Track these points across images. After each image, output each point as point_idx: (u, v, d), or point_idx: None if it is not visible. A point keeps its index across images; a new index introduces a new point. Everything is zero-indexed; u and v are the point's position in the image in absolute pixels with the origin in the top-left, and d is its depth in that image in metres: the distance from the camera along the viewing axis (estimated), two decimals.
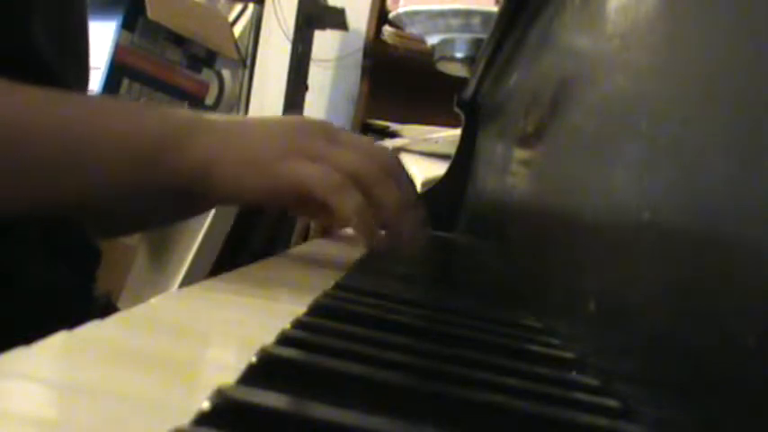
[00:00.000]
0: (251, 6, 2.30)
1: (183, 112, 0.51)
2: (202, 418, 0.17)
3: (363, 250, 0.66)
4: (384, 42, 2.03)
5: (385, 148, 0.56)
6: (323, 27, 2.03)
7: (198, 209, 0.68)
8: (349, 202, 0.48)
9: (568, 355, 0.32)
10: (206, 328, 0.30)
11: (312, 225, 1.72)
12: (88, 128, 0.47)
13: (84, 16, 0.64)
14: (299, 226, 1.72)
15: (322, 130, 0.52)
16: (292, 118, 0.55)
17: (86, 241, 0.62)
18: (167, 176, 0.47)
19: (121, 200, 0.50)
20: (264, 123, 0.52)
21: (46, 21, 0.54)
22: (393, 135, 1.78)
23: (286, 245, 1.63)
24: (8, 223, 0.48)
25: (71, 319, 0.25)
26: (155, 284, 1.64)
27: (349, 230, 0.84)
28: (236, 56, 2.03)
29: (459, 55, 1.43)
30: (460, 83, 1.23)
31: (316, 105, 2.21)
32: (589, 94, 0.43)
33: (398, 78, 2.01)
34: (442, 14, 1.42)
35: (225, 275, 0.42)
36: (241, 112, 2.27)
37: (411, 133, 1.69)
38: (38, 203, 0.46)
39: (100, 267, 0.64)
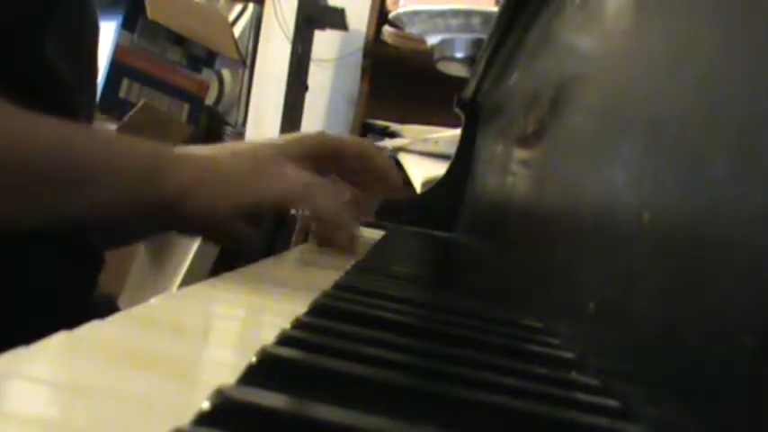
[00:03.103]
0: (251, 6, 2.30)
1: (169, 146, 0.58)
2: (202, 418, 0.17)
3: (362, 251, 0.66)
4: (384, 42, 2.03)
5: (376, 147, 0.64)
6: (323, 27, 2.03)
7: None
8: (324, 203, 0.58)
9: (568, 355, 0.32)
10: (206, 328, 0.30)
11: (312, 225, 1.72)
12: (95, 150, 0.52)
13: (95, 29, 0.64)
14: (298, 226, 1.72)
15: (280, 152, 0.61)
16: (261, 147, 0.63)
17: (89, 247, 0.62)
18: (156, 197, 0.52)
19: (117, 218, 0.56)
20: (235, 152, 0.60)
21: (58, 34, 0.55)
22: (393, 135, 1.78)
23: (286, 245, 1.63)
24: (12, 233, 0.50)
25: (71, 319, 0.25)
26: (155, 284, 1.64)
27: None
28: (236, 56, 2.04)
29: (459, 55, 1.43)
30: (460, 83, 1.23)
31: (316, 105, 2.21)
32: (589, 94, 0.43)
33: (398, 78, 2.01)
34: (442, 14, 1.42)
35: (225, 275, 0.42)
36: (241, 112, 2.27)
37: (411, 133, 1.69)
38: (46, 218, 0.50)
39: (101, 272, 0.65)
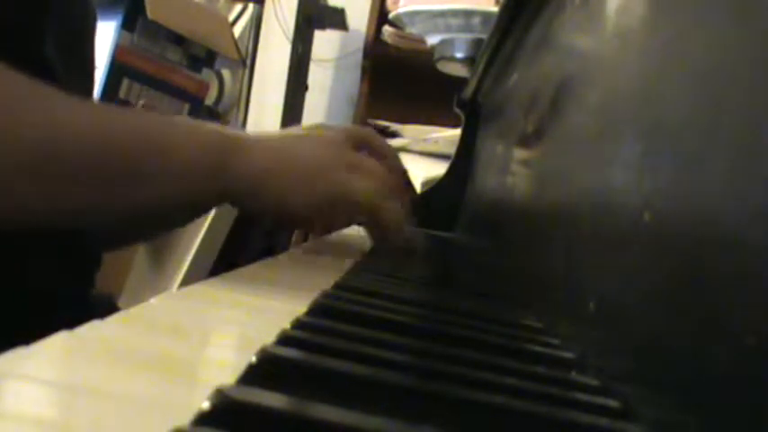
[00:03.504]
0: (251, 6, 2.30)
1: (231, 130, 0.53)
2: (202, 418, 0.17)
3: (362, 251, 0.66)
4: (384, 42, 2.03)
5: (394, 149, 0.61)
6: (323, 27, 2.03)
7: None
8: (392, 214, 0.54)
9: (568, 355, 0.32)
10: (206, 328, 0.30)
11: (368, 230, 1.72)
12: (161, 139, 0.48)
13: (92, 23, 0.64)
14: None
15: (351, 138, 0.56)
16: (323, 129, 0.58)
17: (86, 246, 0.62)
18: (225, 186, 0.49)
19: (179, 210, 0.52)
20: (303, 137, 0.55)
21: (56, 30, 0.55)
22: (393, 135, 1.78)
23: (286, 245, 1.63)
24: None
25: (71, 319, 0.25)
26: (155, 284, 1.64)
27: (349, 231, 0.84)
28: (236, 56, 2.03)
29: (459, 55, 1.43)
30: (460, 83, 1.23)
31: (316, 105, 2.21)
32: (589, 94, 0.43)
33: (398, 78, 2.01)
34: (442, 14, 1.42)
35: (225, 275, 0.42)
36: (241, 112, 2.27)
37: (411, 133, 1.69)
38: (99, 214, 0.47)
39: (99, 270, 0.65)
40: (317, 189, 0.51)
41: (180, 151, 0.48)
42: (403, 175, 0.66)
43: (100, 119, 0.46)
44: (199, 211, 0.57)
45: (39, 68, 0.54)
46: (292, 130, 0.58)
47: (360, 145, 0.65)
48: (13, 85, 0.43)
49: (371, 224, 0.57)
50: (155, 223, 0.72)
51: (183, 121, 0.53)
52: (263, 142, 0.52)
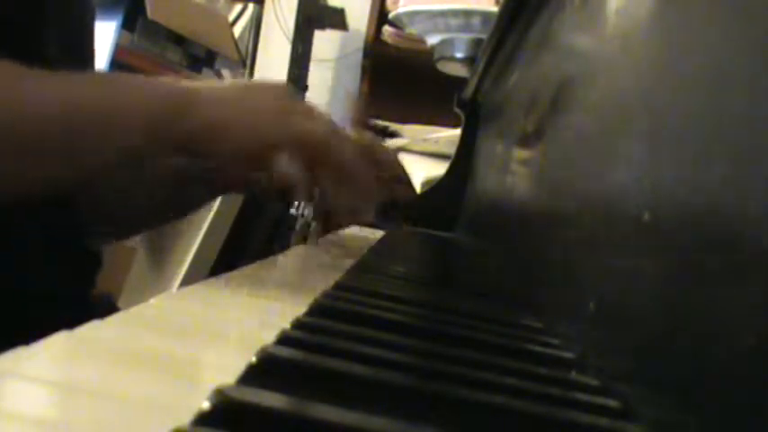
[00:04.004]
0: (251, 6, 2.30)
1: (183, 81, 0.55)
2: (202, 418, 0.17)
3: (362, 251, 0.66)
4: (384, 42, 2.03)
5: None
6: (323, 27, 2.03)
7: (207, 192, 0.72)
8: (348, 150, 0.55)
9: (568, 355, 0.32)
10: (206, 328, 0.30)
11: (312, 226, 1.73)
12: (104, 97, 0.50)
13: (90, 19, 0.64)
14: (298, 226, 1.72)
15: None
16: (268, 83, 0.60)
17: (87, 247, 0.62)
18: (181, 138, 0.50)
19: (137, 166, 0.55)
20: (254, 86, 0.58)
21: (55, 27, 0.55)
22: (393, 135, 1.78)
23: (286, 245, 1.63)
24: (10, 223, 0.49)
25: (71, 319, 0.25)
26: (155, 284, 1.64)
27: (349, 231, 0.84)
28: (236, 56, 2.03)
29: (459, 55, 1.43)
30: (460, 83, 1.23)
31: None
32: (589, 94, 0.43)
33: (398, 78, 2.01)
34: (442, 14, 1.42)
35: (225, 275, 0.42)
36: None
37: (411, 133, 1.69)
38: (62, 174, 0.48)
39: (100, 271, 0.65)
40: (270, 131, 0.53)
41: (135, 109, 0.50)
42: (399, 168, 0.67)
43: (60, 89, 0.48)
44: (163, 167, 0.61)
45: (39, 66, 0.54)
46: (244, 83, 0.60)
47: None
48: None
49: (332, 175, 0.57)
50: (149, 216, 0.74)
51: (138, 79, 0.54)
52: (215, 92, 0.53)
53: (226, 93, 0.54)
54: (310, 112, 0.56)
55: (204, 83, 0.57)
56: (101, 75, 0.49)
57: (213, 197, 0.80)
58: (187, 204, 0.75)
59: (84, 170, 0.49)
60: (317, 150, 0.54)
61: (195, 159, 0.56)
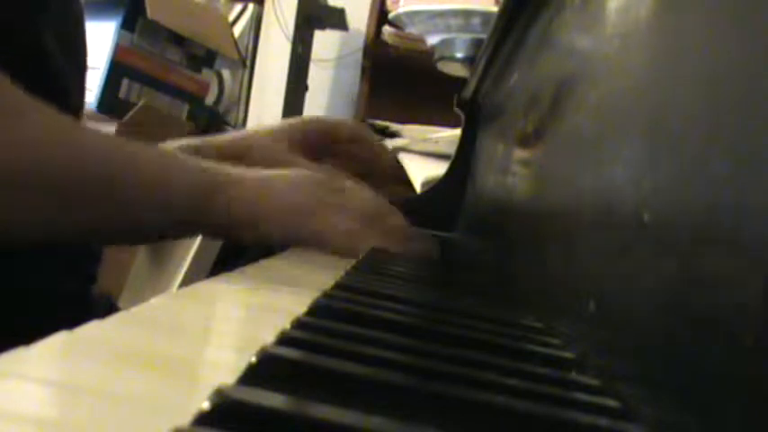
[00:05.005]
0: (251, 6, 2.30)
1: (216, 166, 0.57)
2: (202, 418, 0.17)
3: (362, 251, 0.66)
4: (384, 42, 2.03)
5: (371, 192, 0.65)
6: (323, 27, 2.04)
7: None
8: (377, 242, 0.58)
9: (568, 355, 0.32)
10: (206, 328, 0.30)
11: None
12: (158, 171, 0.51)
13: (81, 15, 0.64)
14: None
15: (330, 180, 0.61)
16: (305, 172, 0.61)
17: (86, 244, 0.62)
18: (209, 223, 0.52)
19: (169, 236, 0.58)
20: (289, 176, 0.59)
21: (54, 23, 0.55)
22: (393, 135, 1.78)
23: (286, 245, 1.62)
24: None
25: (71, 319, 0.25)
26: (155, 284, 1.64)
27: None
28: (236, 56, 2.04)
29: (459, 55, 1.43)
30: (460, 83, 1.22)
31: (316, 105, 2.21)
32: (589, 94, 0.43)
33: (398, 78, 2.01)
34: (442, 14, 1.42)
35: (225, 275, 0.42)
36: (241, 112, 2.27)
37: (411, 133, 1.69)
38: (83, 233, 0.50)
39: (100, 268, 0.65)
40: (300, 233, 0.56)
41: (168, 188, 0.51)
42: (398, 168, 0.69)
43: (105, 148, 0.50)
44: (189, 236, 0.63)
45: (40, 64, 0.54)
46: (278, 172, 0.60)
47: (323, 140, 0.71)
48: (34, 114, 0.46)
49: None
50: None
51: (174, 158, 0.56)
52: (247, 181, 0.55)
53: (263, 185, 0.56)
54: (347, 201, 0.58)
55: (248, 170, 0.58)
56: (141, 146, 0.51)
57: None
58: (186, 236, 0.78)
59: (104, 234, 0.51)
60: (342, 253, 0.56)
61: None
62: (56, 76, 0.55)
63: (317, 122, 0.74)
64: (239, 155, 0.69)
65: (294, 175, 0.60)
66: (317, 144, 0.72)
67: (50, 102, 0.50)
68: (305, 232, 0.56)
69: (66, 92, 0.57)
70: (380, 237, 0.60)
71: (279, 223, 0.55)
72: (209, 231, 0.55)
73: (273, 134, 0.70)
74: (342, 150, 0.74)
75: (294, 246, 0.58)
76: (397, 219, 0.64)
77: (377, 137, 0.80)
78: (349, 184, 0.63)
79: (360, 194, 0.62)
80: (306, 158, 0.69)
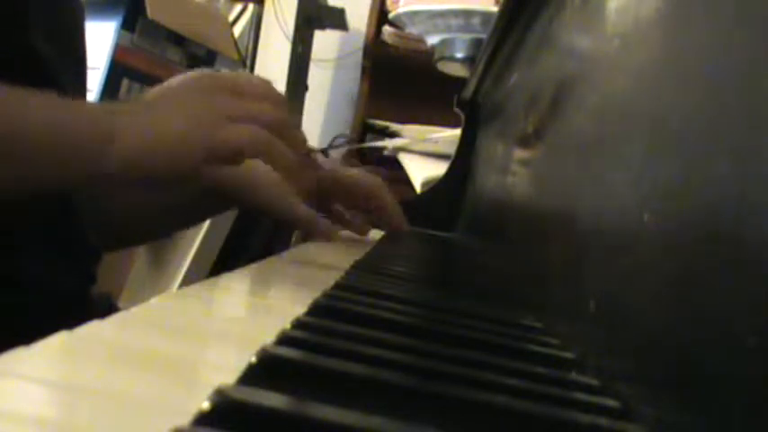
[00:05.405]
0: (251, 6, 2.30)
1: (107, 108, 0.56)
2: (202, 418, 0.17)
3: (362, 251, 0.66)
4: (384, 42, 2.03)
5: (266, 81, 0.61)
6: (323, 27, 2.03)
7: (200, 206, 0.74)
8: (280, 158, 0.55)
9: (568, 355, 0.32)
10: (206, 328, 0.30)
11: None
12: (49, 131, 0.50)
13: (80, 15, 0.64)
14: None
15: (223, 82, 0.57)
16: (189, 78, 0.58)
17: (86, 241, 0.62)
18: (111, 171, 0.50)
19: (80, 188, 0.55)
20: (173, 99, 0.55)
21: (43, 21, 0.55)
22: (393, 135, 1.78)
23: (286, 245, 1.63)
24: (8, 222, 0.49)
25: (71, 319, 0.25)
26: (155, 284, 1.64)
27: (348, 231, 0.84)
28: (236, 56, 2.03)
29: (459, 55, 1.43)
30: (460, 83, 1.22)
31: (316, 105, 2.21)
32: (589, 95, 0.43)
33: (398, 78, 2.01)
34: (442, 14, 1.42)
35: (225, 275, 0.42)
36: None
37: (411, 133, 1.69)
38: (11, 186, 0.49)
39: (100, 267, 0.65)
40: (195, 147, 0.52)
41: (60, 147, 0.50)
42: (283, 103, 0.67)
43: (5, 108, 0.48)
44: (99, 184, 0.59)
45: (28, 60, 0.54)
46: (164, 89, 0.57)
47: (341, 193, 0.72)
48: None
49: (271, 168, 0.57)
50: (147, 230, 0.76)
51: (67, 110, 0.53)
52: (134, 117, 0.53)
53: (147, 116, 0.53)
54: (241, 110, 0.55)
55: (125, 104, 0.56)
56: (41, 98, 0.49)
57: (219, 207, 0.81)
58: (191, 216, 0.77)
59: (18, 189, 0.49)
60: (248, 155, 0.54)
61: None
62: (49, 76, 0.55)
63: (337, 177, 0.76)
64: (240, 183, 0.68)
65: (183, 87, 0.56)
66: (336, 196, 0.75)
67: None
68: (198, 147, 0.52)
69: (60, 91, 0.57)
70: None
71: (168, 150, 0.51)
72: (117, 182, 0.53)
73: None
74: (356, 203, 0.77)
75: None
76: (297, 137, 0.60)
77: (391, 198, 0.80)
78: (250, 82, 0.59)
79: (261, 94, 0.58)
80: (303, 204, 0.69)
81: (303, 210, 0.68)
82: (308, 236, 0.72)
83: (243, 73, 0.65)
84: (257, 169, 0.60)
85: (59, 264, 0.58)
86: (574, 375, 0.29)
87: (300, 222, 0.68)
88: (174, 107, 0.54)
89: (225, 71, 0.62)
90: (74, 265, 0.60)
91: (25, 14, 0.53)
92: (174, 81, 0.57)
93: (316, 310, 0.31)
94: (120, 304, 0.77)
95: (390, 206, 0.79)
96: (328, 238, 0.70)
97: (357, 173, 0.83)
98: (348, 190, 0.76)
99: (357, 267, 0.52)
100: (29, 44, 0.53)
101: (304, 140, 0.62)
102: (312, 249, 0.68)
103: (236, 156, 0.54)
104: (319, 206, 0.72)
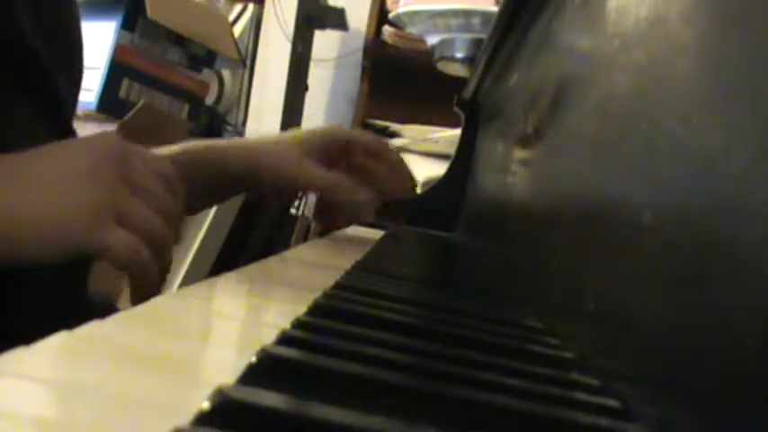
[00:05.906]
0: (251, 6, 2.30)
1: None
2: (202, 418, 0.17)
3: (362, 251, 0.66)
4: (384, 42, 2.03)
5: (170, 174, 0.51)
6: (323, 27, 2.03)
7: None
8: (144, 283, 0.47)
9: (568, 355, 0.32)
10: (206, 328, 0.30)
11: (312, 226, 1.73)
12: None
13: (74, 4, 0.64)
14: (298, 226, 1.72)
15: (129, 170, 0.47)
16: (96, 148, 0.48)
17: None
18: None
19: None
20: (68, 165, 0.46)
21: (31, 5, 0.54)
22: (393, 135, 1.78)
23: (286, 245, 1.63)
24: None
25: (71, 319, 0.25)
26: None
27: (349, 231, 0.84)
28: (236, 56, 2.04)
29: (459, 55, 1.43)
30: (460, 83, 1.22)
31: (316, 105, 2.21)
32: (589, 94, 0.43)
33: (398, 78, 2.01)
34: (442, 14, 1.42)
35: (225, 275, 0.42)
36: (241, 112, 2.27)
37: (411, 133, 1.70)
38: None
39: (94, 263, 0.64)
40: (68, 240, 0.45)
41: None
42: (401, 164, 0.65)
43: None
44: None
45: (20, 54, 0.53)
46: (58, 152, 0.47)
47: (338, 150, 0.70)
48: None
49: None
50: None
51: None
52: (10, 179, 0.45)
53: (17, 183, 0.44)
54: (121, 209, 0.45)
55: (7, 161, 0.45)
56: None
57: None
58: (199, 202, 0.75)
59: None
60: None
61: None
62: (41, 73, 0.55)
63: (335, 132, 0.73)
64: (246, 161, 0.68)
65: (70, 160, 0.46)
66: (333, 154, 0.71)
67: (33, 97, 0.50)
68: (69, 248, 0.45)
69: (52, 88, 0.56)
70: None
71: (38, 238, 0.44)
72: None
73: (287, 141, 0.69)
74: (358, 163, 0.73)
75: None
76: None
77: (397, 154, 0.78)
78: (149, 172, 0.48)
79: (153, 193, 0.48)
80: (319, 167, 0.68)
81: (321, 174, 0.67)
82: (335, 198, 0.70)
83: (151, 155, 0.48)
84: (265, 149, 0.60)
85: (59, 264, 0.58)
86: (574, 375, 0.29)
87: (323, 187, 0.67)
88: (59, 184, 0.45)
89: (137, 148, 0.48)
90: (73, 266, 0.60)
91: (12, 9, 0.53)
92: (76, 146, 0.49)
93: (316, 310, 0.31)
94: (120, 304, 0.77)
95: (394, 163, 0.76)
96: (356, 195, 0.69)
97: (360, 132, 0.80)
98: (348, 143, 0.73)
99: (357, 267, 0.52)
100: (14, 28, 0.53)
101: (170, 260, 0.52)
102: (312, 249, 0.68)
103: (103, 257, 0.46)
104: (321, 162, 0.69)
